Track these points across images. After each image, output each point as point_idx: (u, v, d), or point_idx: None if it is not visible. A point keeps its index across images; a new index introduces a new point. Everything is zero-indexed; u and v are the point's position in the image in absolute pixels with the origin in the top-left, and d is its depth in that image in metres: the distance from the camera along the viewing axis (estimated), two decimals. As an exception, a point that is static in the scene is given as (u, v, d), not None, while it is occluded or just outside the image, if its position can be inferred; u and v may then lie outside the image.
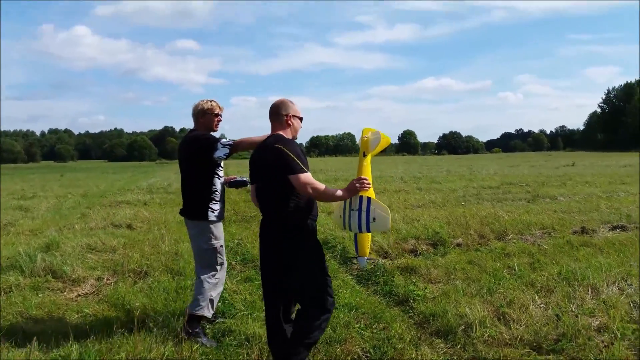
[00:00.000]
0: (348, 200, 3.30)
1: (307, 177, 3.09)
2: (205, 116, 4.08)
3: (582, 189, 14.68)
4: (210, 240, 4.01)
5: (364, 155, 3.34)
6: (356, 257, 3.73)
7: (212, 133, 4.12)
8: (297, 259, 3.20)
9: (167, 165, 57.50)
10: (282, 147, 3.09)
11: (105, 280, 5.46)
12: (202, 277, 4.02)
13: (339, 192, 3.22)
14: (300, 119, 3.41)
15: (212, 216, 4.02)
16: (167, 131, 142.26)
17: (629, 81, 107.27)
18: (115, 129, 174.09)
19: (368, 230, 3.30)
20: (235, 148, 3.94)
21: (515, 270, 5.57)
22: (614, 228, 7.95)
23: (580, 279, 5.00)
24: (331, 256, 6.59)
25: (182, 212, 4.18)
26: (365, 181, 3.22)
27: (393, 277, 5.46)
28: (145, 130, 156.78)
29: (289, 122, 3.33)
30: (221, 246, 4.10)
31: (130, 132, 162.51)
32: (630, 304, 4.26)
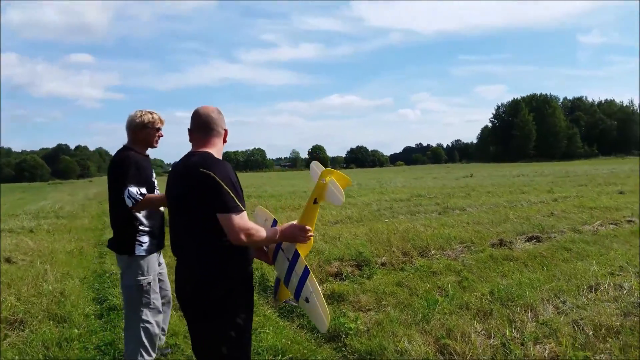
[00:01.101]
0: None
1: (241, 219, 2.32)
2: (145, 130, 3.55)
3: (487, 199, 15.15)
4: (137, 277, 3.46)
5: (315, 202, 2.63)
6: (274, 297, 3.07)
7: (149, 149, 3.65)
8: (214, 321, 2.41)
9: (60, 186, 52.95)
10: (212, 173, 2.31)
11: (-35, 335, 4.37)
12: (130, 320, 3.52)
13: (273, 234, 2.50)
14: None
15: (139, 250, 3.42)
16: (61, 149, 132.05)
17: (515, 97, 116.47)
18: (3, 147, 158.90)
19: (296, 299, 2.63)
20: (140, 206, 3.37)
21: (445, 291, 5.26)
22: (530, 239, 8.02)
23: (514, 299, 4.76)
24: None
25: (109, 245, 3.58)
26: (309, 233, 2.57)
27: (319, 307, 4.91)
28: (37, 148, 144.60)
29: (225, 138, 2.60)
30: (149, 283, 3.51)
31: (20, 150, 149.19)
32: (572, 326, 4.03)
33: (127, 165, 3.41)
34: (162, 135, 3.67)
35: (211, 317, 2.40)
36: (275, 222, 2.92)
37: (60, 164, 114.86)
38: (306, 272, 2.51)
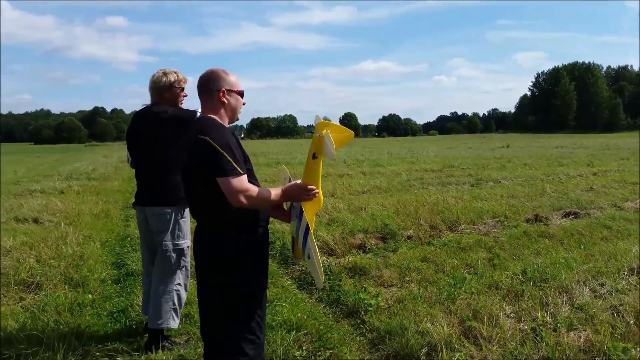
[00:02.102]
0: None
1: (239, 182, 2.30)
2: (171, 90, 3.56)
3: (523, 172, 14.61)
4: (176, 239, 3.52)
5: (314, 157, 2.50)
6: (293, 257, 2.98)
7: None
8: (222, 280, 2.42)
9: (96, 148, 54.20)
10: (208, 139, 2.30)
11: (-18, 296, 4.36)
12: (162, 283, 3.51)
13: (275, 195, 2.44)
14: (240, 93, 2.56)
15: (187, 212, 3.53)
16: (98, 112, 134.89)
17: (556, 66, 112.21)
18: (42, 109, 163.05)
19: (302, 252, 2.55)
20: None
21: (474, 268, 4.98)
22: (567, 215, 7.61)
23: (548, 279, 4.45)
24: (269, 255, 5.75)
25: (141, 200, 3.57)
26: (312, 191, 2.47)
27: (340, 280, 4.72)
28: (75, 110, 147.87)
29: (223, 99, 2.48)
30: (187, 247, 3.60)
31: (58, 112, 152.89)
32: (611, 312, 3.72)
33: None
34: (186, 95, 3.66)
35: (220, 275, 2.42)
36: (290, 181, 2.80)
37: (97, 126, 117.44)
38: (307, 229, 2.46)
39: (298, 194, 2.49)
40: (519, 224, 7.00)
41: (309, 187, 2.47)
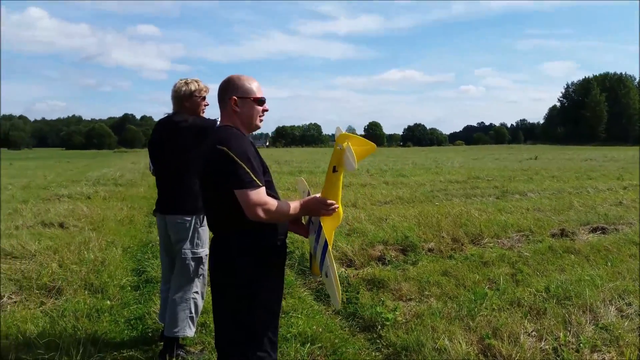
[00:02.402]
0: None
1: (257, 194, 2.23)
2: (192, 99, 3.59)
3: (550, 185, 14.31)
4: (195, 248, 3.54)
5: (334, 171, 2.41)
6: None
7: None
8: (237, 291, 2.36)
9: (125, 155, 55.27)
10: (226, 149, 2.25)
11: (5, 299, 4.44)
12: (181, 290, 3.53)
13: (294, 209, 2.37)
14: (258, 100, 2.45)
15: (205, 222, 3.52)
16: (127, 119, 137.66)
17: (586, 76, 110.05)
18: (74, 115, 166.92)
19: (320, 269, 2.50)
20: None
21: (496, 283, 4.87)
22: (594, 230, 7.40)
23: (572, 297, 4.31)
24: (287, 265, 5.74)
25: (161, 208, 3.61)
26: (332, 205, 2.39)
27: (358, 292, 4.66)
28: (105, 117, 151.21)
29: (235, 108, 2.41)
30: (206, 255, 3.58)
31: (89, 119, 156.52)
32: (638, 334, 3.58)
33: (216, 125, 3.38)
34: (207, 104, 3.68)
35: (223, 276, 2.40)
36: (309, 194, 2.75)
37: (126, 133, 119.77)
38: (326, 245, 2.39)
39: (317, 209, 2.40)
40: (544, 238, 6.84)
41: (329, 201, 2.39)
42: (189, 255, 3.51)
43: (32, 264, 5.42)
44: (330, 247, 2.39)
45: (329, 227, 2.44)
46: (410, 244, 6.20)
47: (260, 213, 2.23)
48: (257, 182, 2.24)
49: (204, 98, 3.65)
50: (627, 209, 9.29)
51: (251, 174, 2.23)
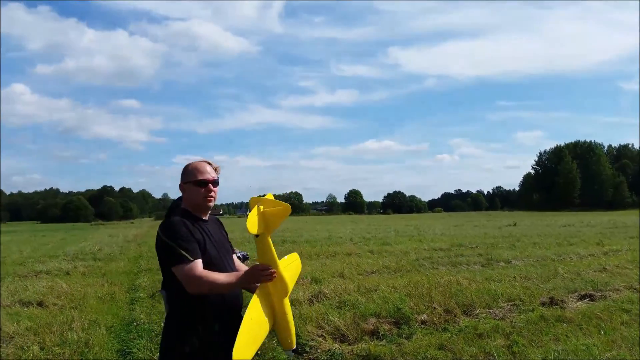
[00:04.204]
0: None
1: (190, 269, 2.38)
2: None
3: (533, 251, 14.43)
4: None
5: (256, 236, 2.40)
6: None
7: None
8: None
9: (102, 228, 54.22)
10: (159, 232, 2.51)
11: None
12: None
13: (229, 279, 2.41)
14: (199, 182, 2.58)
15: None
16: (106, 190, 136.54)
17: (558, 144, 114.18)
18: (51, 188, 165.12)
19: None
20: None
21: (493, 357, 4.79)
22: (582, 297, 7.41)
23: (572, 369, 4.27)
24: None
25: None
26: (270, 271, 2.39)
27: (354, 370, 4.53)
28: (83, 189, 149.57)
29: (183, 192, 2.67)
30: None
31: (67, 191, 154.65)
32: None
33: None
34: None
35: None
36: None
37: (104, 205, 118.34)
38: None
39: (256, 276, 2.40)
40: (534, 307, 6.82)
41: (262, 267, 2.39)
42: None
43: (10, 347, 5.16)
44: (290, 317, 2.55)
45: (276, 294, 2.49)
46: (403, 316, 6.12)
47: (195, 286, 2.35)
48: (187, 256, 2.38)
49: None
50: (612, 275, 9.39)
51: (180, 249, 2.38)
